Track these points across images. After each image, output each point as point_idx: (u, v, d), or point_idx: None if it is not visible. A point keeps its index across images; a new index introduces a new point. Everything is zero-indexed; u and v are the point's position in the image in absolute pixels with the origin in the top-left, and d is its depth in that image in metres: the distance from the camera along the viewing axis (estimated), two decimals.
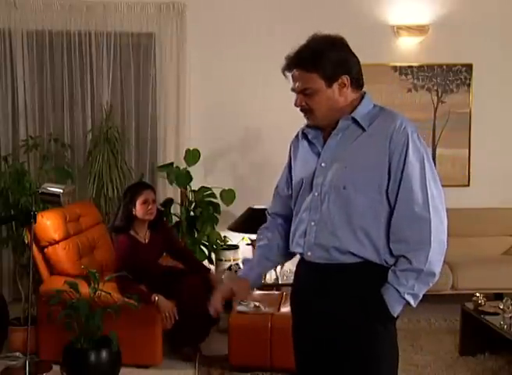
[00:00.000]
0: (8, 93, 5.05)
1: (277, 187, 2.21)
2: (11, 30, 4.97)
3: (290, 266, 4.71)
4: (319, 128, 2.02)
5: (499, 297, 4.54)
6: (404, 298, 1.87)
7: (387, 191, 1.89)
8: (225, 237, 4.96)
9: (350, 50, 1.97)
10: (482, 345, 3.92)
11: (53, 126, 5.12)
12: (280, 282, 4.60)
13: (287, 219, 2.12)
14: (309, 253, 1.97)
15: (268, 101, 5.21)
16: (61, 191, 3.47)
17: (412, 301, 1.89)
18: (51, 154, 4.95)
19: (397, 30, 5.29)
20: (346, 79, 1.93)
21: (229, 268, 4.66)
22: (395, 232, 1.88)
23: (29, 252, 3.68)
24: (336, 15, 5.00)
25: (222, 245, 4.90)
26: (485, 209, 5.31)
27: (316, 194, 1.96)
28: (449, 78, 5.45)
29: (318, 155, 1.99)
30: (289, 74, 1.98)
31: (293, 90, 1.99)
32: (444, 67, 5.43)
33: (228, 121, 5.21)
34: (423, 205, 1.86)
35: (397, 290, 1.86)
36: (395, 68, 5.38)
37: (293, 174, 2.12)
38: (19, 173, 4.24)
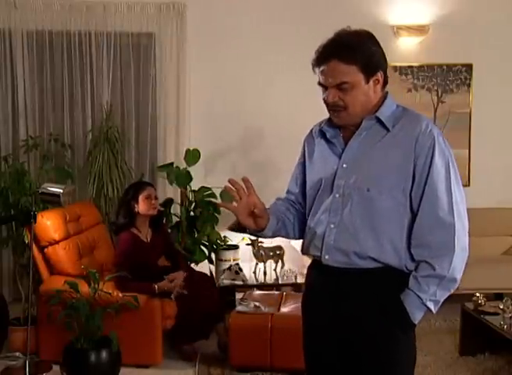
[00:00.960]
0: (8, 93, 5.04)
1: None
2: (11, 30, 4.97)
3: (291, 265, 4.72)
4: (338, 127, 1.95)
5: (499, 297, 4.53)
6: (426, 305, 1.83)
7: (410, 194, 1.84)
8: (225, 237, 4.96)
9: (380, 46, 1.90)
10: (482, 345, 3.92)
11: (53, 126, 5.11)
12: (280, 282, 4.61)
13: (299, 207, 2.09)
14: (327, 256, 1.91)
15: (268, 101, 5.21)
16: (61, 191, 3.47)
17: (433, 308, 1.85)
18: (51, 154, 4.95)
19: (397, 30, 5.29)
20: (380, 75, 1.87)
21: (229, 268, 4.66)
22: (417, 236, 1.84)
23: (29, 252, 3.68)
24: (335, 15, 4.99)
25: (222, 245, 4.90)
26: (484, 209, 5.29)
27: (337, 195, 1.89)
28: (449, 78, 5.45)
29: (339, 155, 1.92)
30: (318, 68, 1.86)
31: (321, 84, 1.88)
32: (444, 67, 5.43)
33: (228, 121, 5.21)
34: (448, 210, 1.81)
35: (419, 296, 1.82)
36: (395, 68, 5.37)
37: (307, 173, 2.05)
38: (19, 173, 4.24)
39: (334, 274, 1.90)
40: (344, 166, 1.90)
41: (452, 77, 5.45)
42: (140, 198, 3.92)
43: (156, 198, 4.04)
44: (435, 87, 5.44)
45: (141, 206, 3.92)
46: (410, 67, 5.40)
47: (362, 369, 1.91)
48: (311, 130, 2.08)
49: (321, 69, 1.85)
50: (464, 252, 1.85)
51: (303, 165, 2.08)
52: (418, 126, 1.84)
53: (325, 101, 1.89)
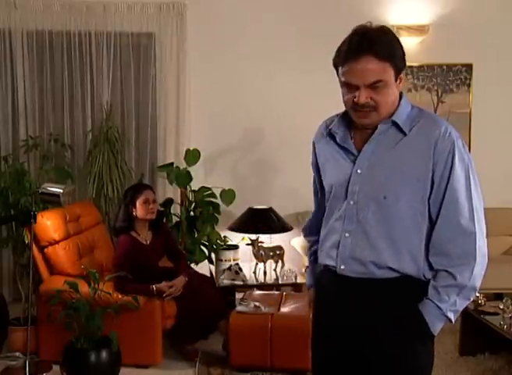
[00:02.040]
0: (8, 93, 5.04)
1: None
2: (11, 30, 4.96)
3: (291, 265, 4.71)
4: (348, 128, 1.86)
5: (499, 297, 4.53)
6: (446, 316, 1.78)
7: (429, 201, 1.77)
8: (225, 237, 4.96)
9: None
10: (482, 345, 3.92)
11: (53, 126, 5.11)
12: (280, 282, 4.61)
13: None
14: (342, 267, 1.83)
15: (268, 102, 5.21)
16: (61, 191, 3.47)
17: (452, 318, 1.80)
18: (51, 154, 4.94)
19: (397, 30, 5.27)
20: (403, 73, 1.80)
21: (229, 268, 4.66)
22: (436, 245, 1.78)
23: (29, 252, 3.68)
24: (335, 15, 5.00)
25: (222, 245, 4.90)
26: (485, 209, 5.27)
27: (352, 202, 1.81)
28: (449, 78, 5.45)
29: (352, 159, 1.83)
30: (343, 67, 1.73)
31: (346, 84, 1.74)
32: (444, 67, 5.43)
33: (228, 121, 5.21)
34: (469, 217, 1.76)
35: (439, 307, 1.77)
36: None
37: (322, 174, 1.96)
38: (19, 173, 4.24)
39: (348, 284, 1.84)
40: (358, 171, 1.81)
41: (452, 77, 5.45)
42: (138, 202, 3.89)
43: (154, 201, 4.00)
44: (435, 87, 5.44)
45: (139, 211, 3.90)
46: (410, 67, 5.40)
47: None
48: (321, 129, 1.98)
49: (350, 67, 1.72)
50: (484, 259, 1.79)
51: (316, 167, 2.00)
52: (437, 131, 1.76)
53: (353, 102, 1.76)
